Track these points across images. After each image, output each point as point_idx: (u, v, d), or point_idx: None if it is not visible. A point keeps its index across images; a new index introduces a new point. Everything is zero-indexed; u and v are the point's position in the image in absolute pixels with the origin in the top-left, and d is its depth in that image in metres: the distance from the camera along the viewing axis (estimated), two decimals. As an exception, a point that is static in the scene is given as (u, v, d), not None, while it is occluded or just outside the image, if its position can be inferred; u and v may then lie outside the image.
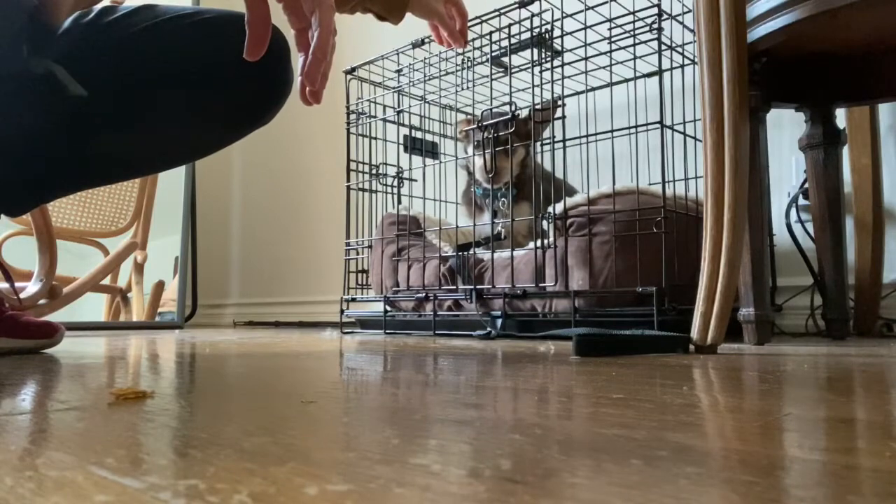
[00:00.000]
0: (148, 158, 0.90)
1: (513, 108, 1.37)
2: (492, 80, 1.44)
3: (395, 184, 1.70)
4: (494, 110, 1.45)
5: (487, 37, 1.42)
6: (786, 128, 1.49)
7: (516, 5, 1.34)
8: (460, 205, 1.67)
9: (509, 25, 1.37)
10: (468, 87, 1.51)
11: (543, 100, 1.33)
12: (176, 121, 0.82)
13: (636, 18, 1.23)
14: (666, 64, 1.23)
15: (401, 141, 1.69)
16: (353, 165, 1.71)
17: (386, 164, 1.70)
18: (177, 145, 0.88)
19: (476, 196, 1.59)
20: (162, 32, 0.78)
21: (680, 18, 1.33)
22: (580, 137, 1.36)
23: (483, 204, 1.57)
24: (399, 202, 1.69)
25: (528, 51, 1.36)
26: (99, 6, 0.80)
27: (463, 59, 1.52)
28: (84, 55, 0.77)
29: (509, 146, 1.41)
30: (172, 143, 0.87)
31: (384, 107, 1.71)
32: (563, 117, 1.30)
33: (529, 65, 1.35)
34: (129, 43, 0.78)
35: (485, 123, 1.45)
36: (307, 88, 0.62)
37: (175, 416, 0.40)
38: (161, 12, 0.80)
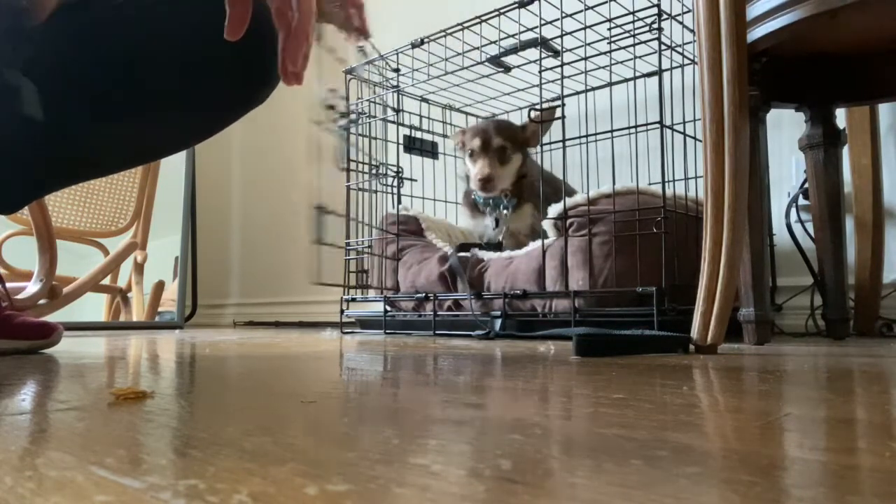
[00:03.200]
0: (132, 149, 0.87)
1: (505, 117, 1.37)
2: (490, 79, 1.44)
3: (395, 184, 1.70)
4: (488, 118, 1.45)
5: (487, 37, 1.42)
6: (786, 128, 1.49)
7: (516, 5, 1.34)
8: (461, 205, 1.67)
9: (509, 26, 1.37)
10: (468, 87, 1.51)
11: (543, 100, 1.33)
12: (158, 108, 0.79)
13: (636, 18, 1.23)
14: (666, 64, 1.23)
15: (401, 141, 1.69)
16: (352, 165, 1.71)
17: (386, 164, 1.70)
18: (162, 133, 0.84)
19: (478, 202, 1.59)
20: (131, 16, 0.74)
21: (680, 18, 1.33)
22: (580, 137, 1.36)
23: (484, 209, 1.57)
24: (399, 202, 1.69)
25: (528, 51, 1.36)
26: None
27: (462, 60, 1.52)
28: (55, 46, 0.75)
29: (505, 145, 1.40)
30: (157, 131, 0.83)
31: (384, 107, 1.71)
32: (563, 117, 1.30)
33: (529, 64, 1.35)
34: (100, 29, 0.76)
35: (475, 133, 1.45)
36: (288, 68, 0.61)
37: (175, 416, 0.40)
38: None
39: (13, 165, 0.81)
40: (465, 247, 1.50)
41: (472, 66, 1.49)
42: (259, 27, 0.61)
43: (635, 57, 1.27)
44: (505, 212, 1.51)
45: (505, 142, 1.46)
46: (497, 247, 1.46)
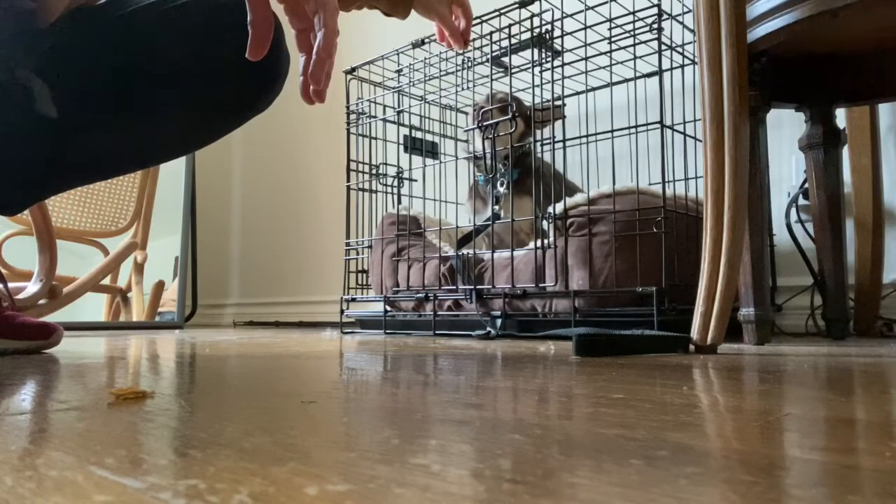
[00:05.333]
0: (139, 153, 0.87)
1: (511, 105, 1.37)
2: (492, 80, 1.44)
3: (395, 184, 1.70)
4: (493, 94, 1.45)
5: (487, 37, 1.42)
6: (786, 128, 1.49)
7: (516, 5, 1.34)
8: (462, 204, 1.67)
9: (509, 25, 1.37)
10: (468, 87, 1.51)
11: (544, 100, 1.33)
12: (165, 112, 0.79)
13: (636, 18, 1.23)
14: (666, 64, 1.23)
15: (401, 141, 1.69)
16: (353, 165, 1.71)
17: (386, 164, 1.70)
18: (169, 138, 0.84)
19: (479, 185, 1.59)
20: (140, 21, 0.75)
21: (680, 18, 1.33)
22: (580, 137, 1.36)
23: (485, 193, 1.57)
24: (399, 202, 1.69)
25: (529, 51, 1.36)
26: None
27: (463, 60, 1.52)
28: (66, 49, 0.76)
29: (508, 110, 1.39)
30: (164, 135, 0.83)
31: (384, 107, 1.71)
32: (564, 117, 1.30)
33: (529, 65, 1.35)
34: (109, 34, 0.76)
35: (483, 110, 1.45)
36: (311, 88, 0.62)
37: (175, 416, 0.40)
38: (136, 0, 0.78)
39: (24, 165, 0.81)
40: (466, 238, 1.50)
41: (473, 66, 1.49)
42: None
43: (635, 57, 1.27)
44: (503, 180, 1.49)
45: (507, 110, 1.44)
46: (495, 217, 1.45)
